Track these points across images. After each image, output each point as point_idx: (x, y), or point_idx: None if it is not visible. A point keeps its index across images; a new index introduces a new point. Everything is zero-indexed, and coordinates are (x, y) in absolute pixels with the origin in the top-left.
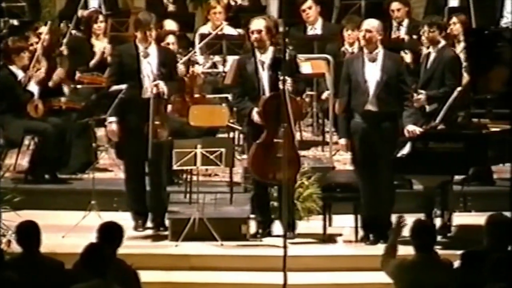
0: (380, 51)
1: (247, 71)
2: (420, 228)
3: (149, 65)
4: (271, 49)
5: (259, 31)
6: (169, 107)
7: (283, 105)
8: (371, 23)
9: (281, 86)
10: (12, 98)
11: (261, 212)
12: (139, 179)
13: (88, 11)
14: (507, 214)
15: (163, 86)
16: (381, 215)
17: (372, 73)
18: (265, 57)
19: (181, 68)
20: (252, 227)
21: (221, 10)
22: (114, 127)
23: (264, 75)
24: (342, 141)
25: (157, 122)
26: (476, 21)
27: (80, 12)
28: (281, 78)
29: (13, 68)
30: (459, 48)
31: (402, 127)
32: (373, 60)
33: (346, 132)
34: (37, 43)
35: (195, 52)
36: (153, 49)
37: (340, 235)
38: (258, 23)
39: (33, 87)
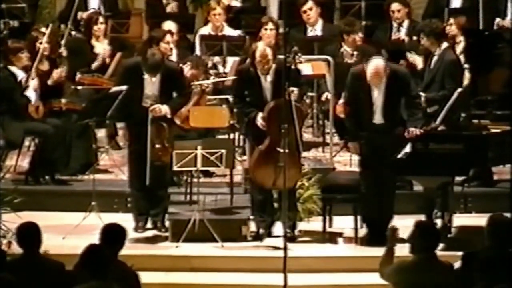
0: (384, 79)
1: (248, 81)
2: (423, 228)
3: (153, 87)
4: (273, 66)
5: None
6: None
7: (287, 113)
8: (379, 63)
9: (286, 97)
10: (11, 101)
11: (262, 213)
12: (142, 180)
13: (88, 13)
14: (508, 215)
15: (161, 109)
16: (383, 216)
17: (378, 97)
18: (269, 76)
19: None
20: (253, 228)
21: (221, 11)
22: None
23: (267, 86)
24: (351, 144)
25: (158, 146)
26: (484, 22)
27: (80, 14)
28: (287, 89)
29: (13, 68)
30: (459, 48)
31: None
32: (379, 86)
33: (355, 135)
34: (40, 43)
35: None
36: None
37: (340, 236)
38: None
39: (31, 93)
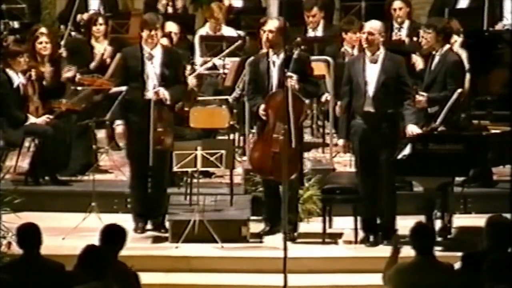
0: (381, 53)
1: (259, 69)
2: (419, 230)
3: (153, 68)
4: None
5: (271, 31)
6: None
7: (286, 102)
8: (374, 25)
9: (285, 83)
10: (5, 106)
11: (270, 210)
12: (142, 181)
13: (88, 13)
14: (507, 215)
15: (164, 92)
16: (382, 217)
17: (372, 75)
18: (277, 57)
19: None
20: (253, 228)
21: (221, 16)
22: (120, 129)
23: (274, 75)
24: (341, 141)
25: (160, 129)
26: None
27: (80, 15)
28: (287, 74)
29: (10, 72)
30: (456, 45)
31: (403, 128)
32: (374, 61)
33: (346, 133)
34: (41, 43)
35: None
36: (158, 51)
37: (340, 236)
38: (271, 24)
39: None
